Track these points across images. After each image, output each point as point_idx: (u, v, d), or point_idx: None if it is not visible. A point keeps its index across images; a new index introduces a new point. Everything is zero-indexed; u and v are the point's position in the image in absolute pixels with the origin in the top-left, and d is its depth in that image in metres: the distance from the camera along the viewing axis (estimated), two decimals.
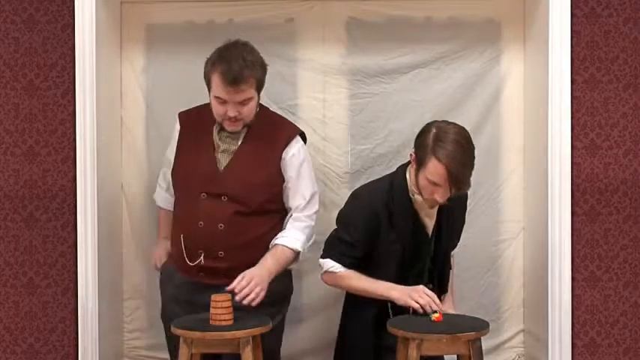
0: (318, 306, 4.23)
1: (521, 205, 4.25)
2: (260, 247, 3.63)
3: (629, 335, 4.00)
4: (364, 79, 4.21)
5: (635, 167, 3.97)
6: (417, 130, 3.57)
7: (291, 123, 3.83)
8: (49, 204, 3.99)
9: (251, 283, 3.48)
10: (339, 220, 3.66)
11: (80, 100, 3.93)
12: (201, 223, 3.60)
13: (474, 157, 3.49)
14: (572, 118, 3.94)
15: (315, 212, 3.74)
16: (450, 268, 3.81)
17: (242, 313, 3.52)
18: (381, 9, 4.19)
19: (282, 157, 3.65)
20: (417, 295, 3.48)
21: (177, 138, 3.77)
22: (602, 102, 3.96)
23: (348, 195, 3.76)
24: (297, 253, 3.65)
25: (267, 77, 4.17)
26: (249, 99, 3.56)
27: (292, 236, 3.65)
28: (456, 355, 3.47)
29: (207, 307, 3.44)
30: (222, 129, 3.65)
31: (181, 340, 3.36)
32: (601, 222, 3.97)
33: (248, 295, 3.47)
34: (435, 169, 3.42)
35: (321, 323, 4.22)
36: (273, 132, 3.68)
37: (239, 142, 3.64)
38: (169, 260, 3.81)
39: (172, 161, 3.76)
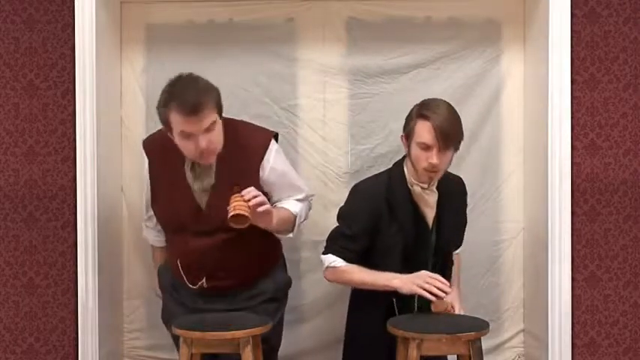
0: (318, 306, 4.23)
1: (521, 205, 4.25)
2: (261, 258, 3.62)
3: (629, 335, 4.00)
4: (364, 79, 4.21)
5: (635, 167, 3.97)
6: None
7: (260, 131, 3.64)
8: (49, 204, 3.99)
9: (260, 197, 3.36)
10: (339, 215, 3.66)
11: (80, 100, 3.93)
12: (197, 255, 3.55)
13: (460, 122, 3.54)
14: (572, 118, 3.94)
15: (312, 197, 3.77)
16: (452, 264, 3.81)
17: (242, 313, 3.53)
18: (381, 9, 4.19)
19: (260, 174, 3.54)
20: (420, 281, 3.47)
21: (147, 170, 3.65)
22: (602, 102, 3.96)
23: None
24: (294, 217, 3.60)
25: (268, 77, 4.20)
26: (214, 123, 3.37)
27: (289, 204, 3.62)
28: (455, 355, 3.47)
29: (209, 312, 3.48)
30: (193, 166, 3.51)
31: (181, 340, 3.36)
32: (601, 222, 3.97)
33: (256, 197, 3.34)
34: (422, 128, 3.48)
35: (322, 323, 4.22)
36: (244, 150, 3.51)
37: (212, 176, 3.50)
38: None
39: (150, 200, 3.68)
